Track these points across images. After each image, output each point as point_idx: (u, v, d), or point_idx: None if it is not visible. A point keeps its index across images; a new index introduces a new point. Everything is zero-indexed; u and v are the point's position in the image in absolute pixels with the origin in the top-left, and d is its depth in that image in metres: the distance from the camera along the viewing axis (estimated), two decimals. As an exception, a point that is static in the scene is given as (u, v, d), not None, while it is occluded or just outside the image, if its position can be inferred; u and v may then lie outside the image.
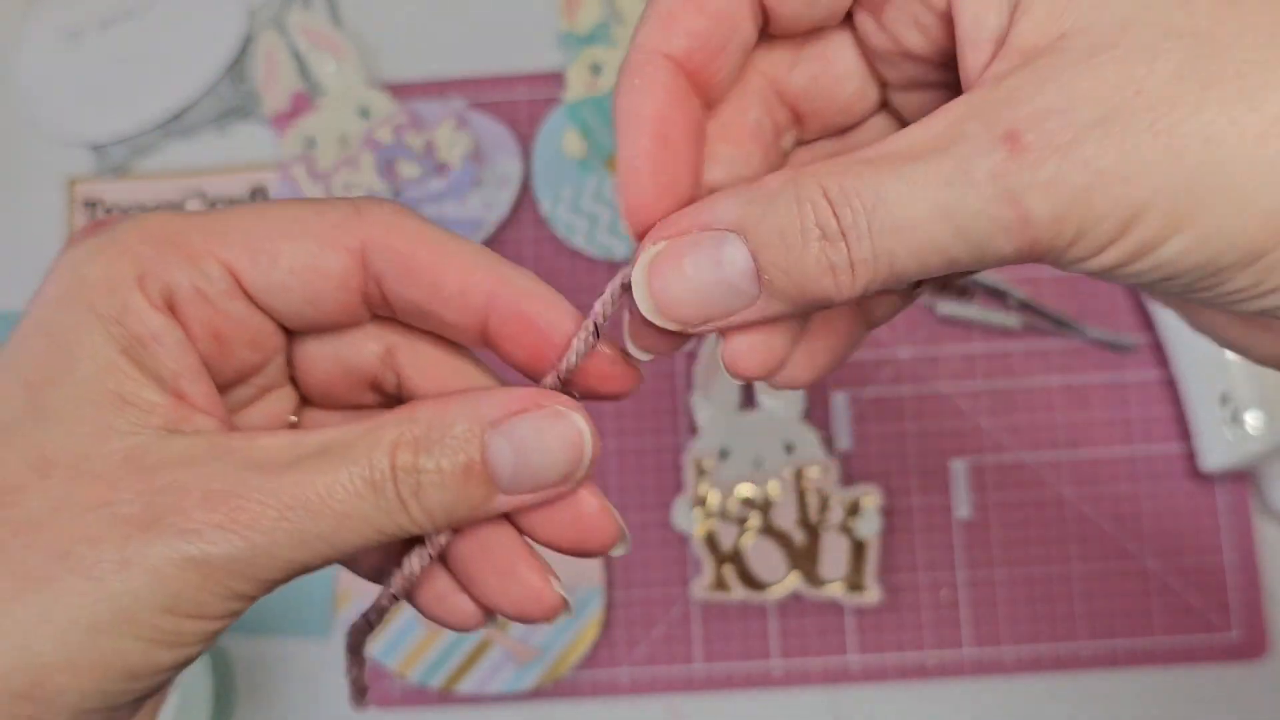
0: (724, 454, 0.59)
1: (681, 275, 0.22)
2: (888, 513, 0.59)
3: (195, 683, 0.55)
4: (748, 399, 0.60)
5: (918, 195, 0.20)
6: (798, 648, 0.59)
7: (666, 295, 0.22)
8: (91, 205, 0.66)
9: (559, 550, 0.25)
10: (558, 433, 0.23)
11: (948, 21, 0.23)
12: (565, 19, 0.64)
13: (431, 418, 0.23)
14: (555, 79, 0.65)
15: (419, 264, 0.24)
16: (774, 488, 0.58)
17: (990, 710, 0.58)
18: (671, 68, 0.23)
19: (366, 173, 0.63)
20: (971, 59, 0.22)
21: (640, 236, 0.23)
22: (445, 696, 0.59)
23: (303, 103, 0.64)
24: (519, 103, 0.65)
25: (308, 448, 0.22)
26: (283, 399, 0.27)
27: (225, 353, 0.24)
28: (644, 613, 0.60)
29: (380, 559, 0.26)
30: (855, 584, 0.57)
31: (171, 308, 0.23)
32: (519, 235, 0.64)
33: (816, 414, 0.60)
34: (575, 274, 0.63)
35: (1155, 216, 0.20)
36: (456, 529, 0.24)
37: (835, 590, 0.57)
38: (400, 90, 0.65)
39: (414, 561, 0.25)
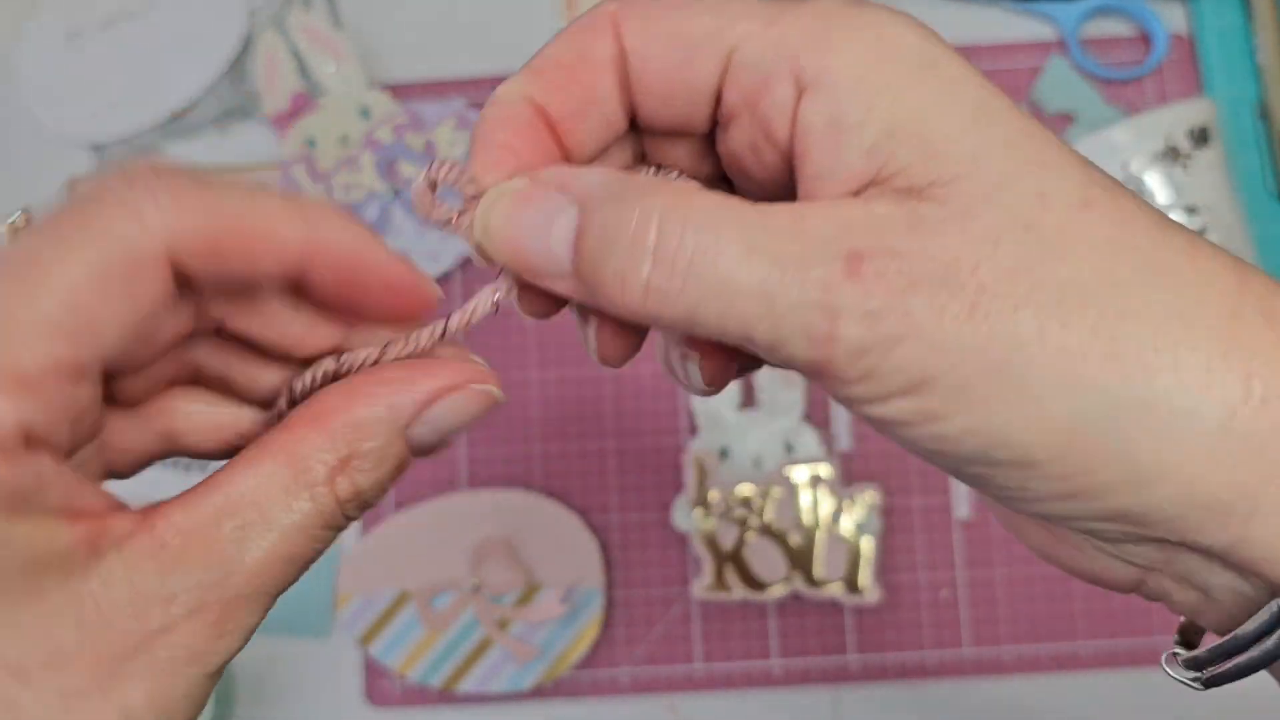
0: (724, 454, 0.59)
1: (518, 218, 0.23)
2: (887, 513, 0.59)
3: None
4: (748, 399, 0.60)
5: (751, 264, 0.20)
6: (798, 647, 0.59)
7: (494, 227, 0.23)
8: (92, 205, 0.66)
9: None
10: (473, 404, 0.23)
11: (788, 158, 0.23)
12: (565, 19, 0.64)
13: (352, 434, 0.22)
14: (555, 79, 0.65)
15: (222, 241, 0.22)
16: (774, 488, 0.58)
17: (990, 710, 0.58)
18: (534, 111, 0.24)
19: (367, 173, 0.63)
20: (825, 184, 0.22)
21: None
22: (445, 696, 0.59)
23: (303, 103, 0.64)
24: (519, 103, 0.65)
25: (241, 510, 0.21)
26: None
27: (80, 431, 0.22)
28: (644, 612, 0.60)
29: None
30: (855, 584, 0.57)
31: (31, 441, 0.20)
32: (519, 235, 0.64)
33: (816, 414, 0.60)
34: (575, 274, 0.63)
35: (944, 391, 0.20)
36: None
37: (835, 590, 0.57)
38: (400, 90, 0.65)
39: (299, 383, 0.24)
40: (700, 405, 0.60)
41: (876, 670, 0.58)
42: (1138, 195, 0.21)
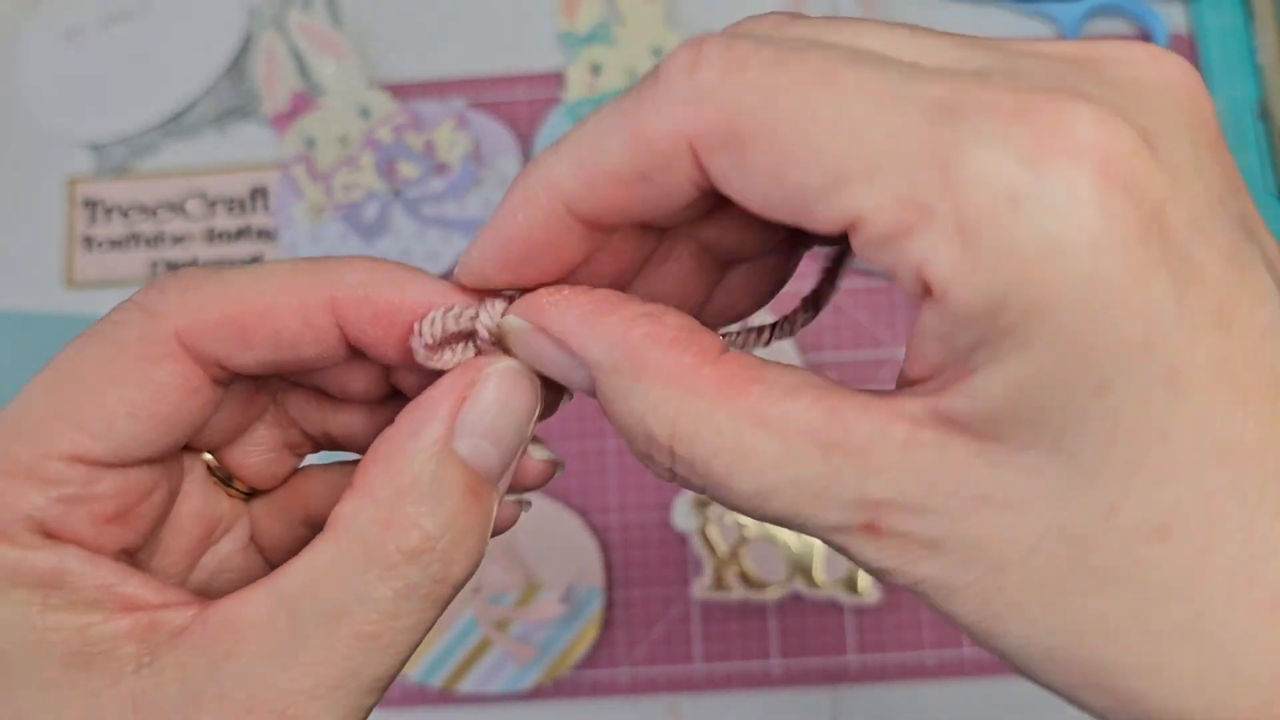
0: (724, 454, 0.59)
1: (532, 359, 0.22)
2: (888, 513, 0.59)
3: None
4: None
5: (764, 506, 0.19)
6: (798, 647, 0.59)
7: (517, 353, 0.22)
8: (91, 205, 0.66)
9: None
10: (506, 389, 0.22)
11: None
12: (565, 19, 0.64)
13: (393, 478, 0.20)
14: (555, 79, 0.65)
15: (241, 323, 0.22)
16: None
17: (990, 710, 0.58)
18: (564, 214, 0.21)
19: (367, 173, 0.63)
20: (912, 356, 0.19)
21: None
22: (445, 696, 0.59)
23: (303, 102, 0.64)
24: (519, 103, 0.65)
25: (294, 597, 0.20)
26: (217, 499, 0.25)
27: (132, 525, 0.22)
28: (644, 613, 0.60)
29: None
30: (854, 584, 0.57)
31: (47, 533, 0.20)
32: (519, 235, 0.64)
33: (816, 414, 0.60)
34: (575, 274, 0.63)
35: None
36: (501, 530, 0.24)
37: (835, 590, 0.57)
38: (400, 90, 0.65)
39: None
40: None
41: (876, 671, 0.58)
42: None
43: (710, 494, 0.20)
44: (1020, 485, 0.18)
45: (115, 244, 0.65)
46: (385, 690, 0.21)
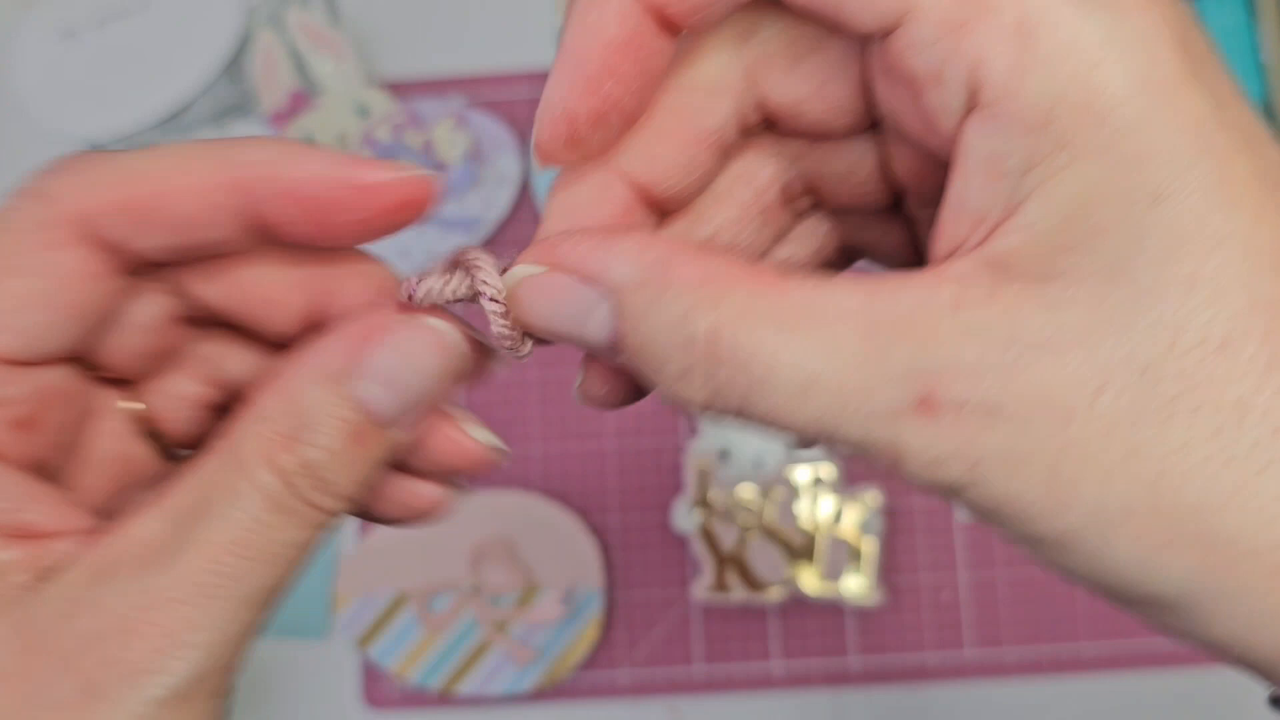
0: (724, 454, 0.59)
1: (544, 309, 0.21)
2: (889, 513, 0.59)
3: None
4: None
5: (807, 403, 0.18)
6: (798, 649, 0.59)
7: (524, 314, 0.21)
8: (89, 204, 0.66)
9: (437, 476, 0.23)
10: (418, 346, 0.21)
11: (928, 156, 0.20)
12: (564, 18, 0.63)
13: (284, 402, 0.20)
14: (555, 77, 0.64)
15: (139, 203, 0.21)
16: (775, 489, 0.58)
17: (991, 712, 0.58)
18: (634, 3, 0.20)
19: (365, 172, 0.63)
20: (947, 230, 0.19)
21: (547, 160, 0.21)
22: (445, 698, 0.59)
23: (301, 101, 0.64)
24: (518, 101, 0.65)
25: (183, 510, 0.20)
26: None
27: (39, 433, 0.21)
28: (644, 613, 0.59)
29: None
30: (856, 585, 0.57)
31: None
32: (518, 234, 0.64)
33: (817, 414, 0.60)
34: (575, 273, 0.63)
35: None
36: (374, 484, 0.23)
37: (836, 592, 0.57)
38: (399, 89, 0.65)
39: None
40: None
41: (877, 672, 0.58)
42: None
43: (748, 409, 0.19)
44: (1079, 322, 0.17)
45: (113, 243, 0.65)
46: (268, 608, 0.20)
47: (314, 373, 0.20)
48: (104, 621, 0.19)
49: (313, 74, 0.64)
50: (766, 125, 0.22)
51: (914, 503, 0.59)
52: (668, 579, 0.60)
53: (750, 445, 0.59)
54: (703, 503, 0.58)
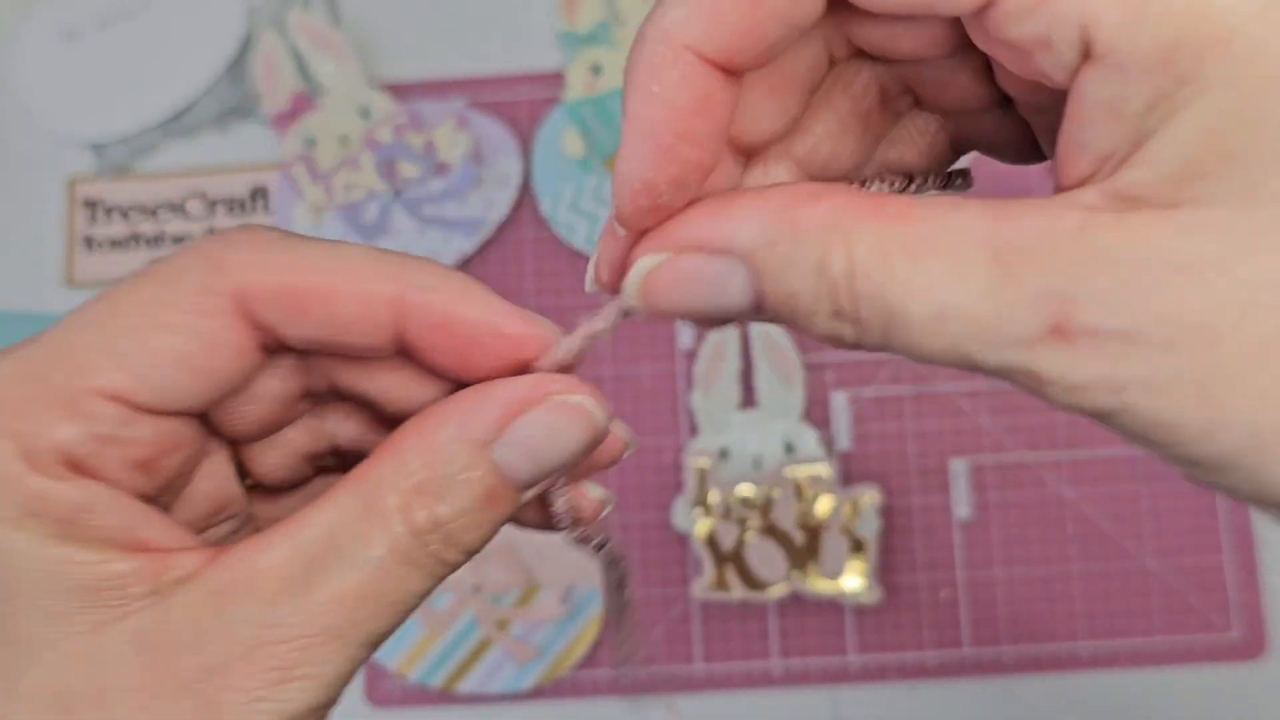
0: (724, 454, 0.59)
1: (679, 295, 0.21)
2: (887, 513, 0.59)
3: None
4: (748, 399, 0.60)
5: (943, 332, 0.18)
6: (798, 647, 0.59)
7: (658, 303, 0.21)
8: (91, 205, 0.66)
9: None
10: (564, 420, 0.21)
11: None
12: (565, 19, 0.63)
13: (425, 456, 0.21)
14: (555, 79, 0.65)
15: (302, 296, 0.21)
16: (774, 488, 0.58)
17: (990, 711, 0.58)
18: (696, 63, 0.19)
19: (367, 173, 0.63)
20: (1068, 168, 0.18)
21: (631, 229, 0.21)
22: (445, 696, 0.59)
23: (303, 103, 0.64)
24: (519, 103, 0.65)
25: (310, 546, 0.20)
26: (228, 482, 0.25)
27: (156, 474, 0.22)
28: (644, 613, 0.60)
29: (536, 513, 0.24)
30: (855, 584, 0.57)
31: (75, 466, 0.20)
32: (519, 235, 0.64)
33: (816, 414, 0.60)
34: (575, 274, 0.63)
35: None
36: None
37: (835, 590, 0.57)
38: (400, 90, 0.65)
39: (560, 503, 0.23)
40: (700, 406, 0.60)
41: (876, 670, 0.58)
42: None
43: (890, 342, 0.19)
44: (1216, 245, 0.17)
45: (116, 244, 0.65)
46: (378, 649, 0.21)
47: (461, 432, 0.21)
48: (229, 647, 0.19)
49: (314, 75, 0.64)
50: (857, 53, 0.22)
51: (912, 502, 0.60)
52: (667, 578, 0.60)
53: (750, 445, 0.59)
54: (702, 502, 0.58)
